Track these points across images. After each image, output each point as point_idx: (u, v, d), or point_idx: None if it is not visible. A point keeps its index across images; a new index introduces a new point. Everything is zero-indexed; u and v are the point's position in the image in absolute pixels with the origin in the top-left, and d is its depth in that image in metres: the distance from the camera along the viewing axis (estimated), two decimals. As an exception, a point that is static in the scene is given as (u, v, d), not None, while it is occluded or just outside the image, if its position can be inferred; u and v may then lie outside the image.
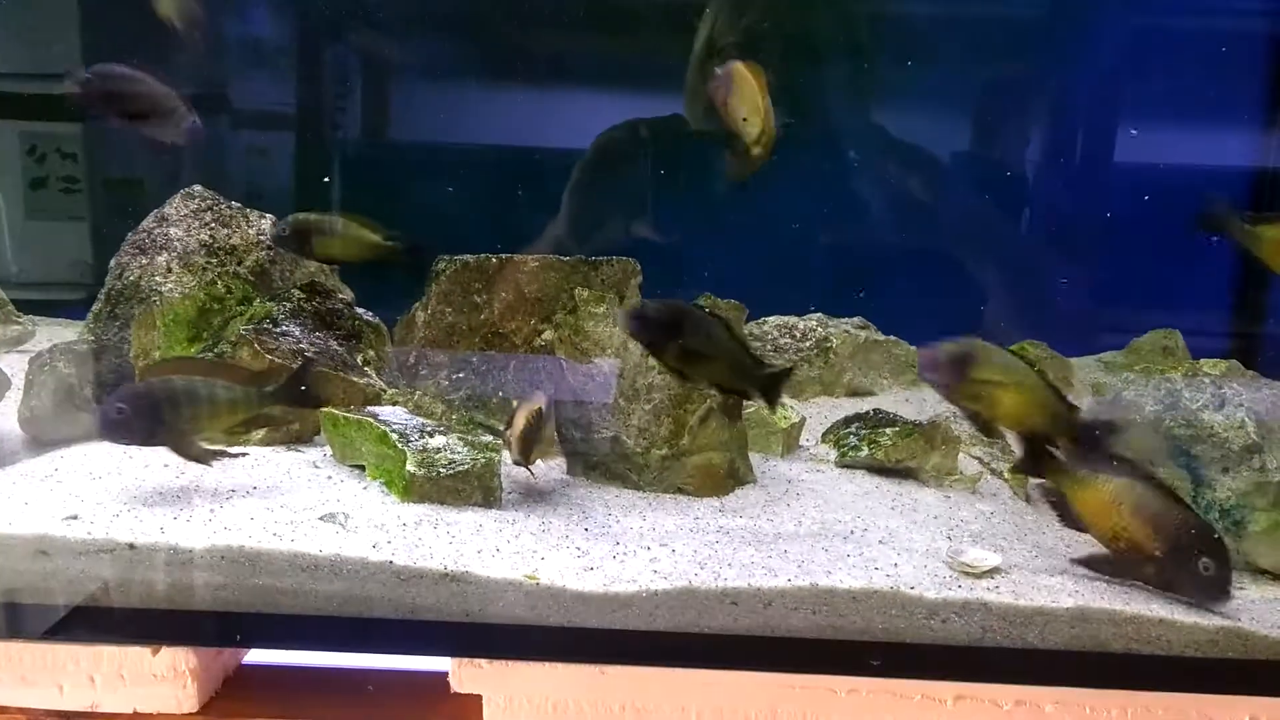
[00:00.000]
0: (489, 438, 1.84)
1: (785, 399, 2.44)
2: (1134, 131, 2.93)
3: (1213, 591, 1.54)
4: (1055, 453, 1.69)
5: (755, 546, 1.67)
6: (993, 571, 1.60)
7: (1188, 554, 1.53)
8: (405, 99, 3.07)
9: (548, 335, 2.21)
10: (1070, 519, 1.72)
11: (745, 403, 2.17)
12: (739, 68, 2.06)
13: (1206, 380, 1.90)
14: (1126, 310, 2.99)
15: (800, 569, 1.57)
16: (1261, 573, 1.76)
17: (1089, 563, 1.63)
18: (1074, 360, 2.75)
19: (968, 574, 1.58)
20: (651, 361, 1.96)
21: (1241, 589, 1.64)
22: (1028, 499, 2.08)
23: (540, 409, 1.81)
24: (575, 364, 2.08)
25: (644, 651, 1.51)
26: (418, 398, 2.02)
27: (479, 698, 1.51)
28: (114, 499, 1.65)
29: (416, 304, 2.32)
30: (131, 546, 1.51)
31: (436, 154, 3.00)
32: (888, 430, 2.08)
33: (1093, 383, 2.31)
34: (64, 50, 2.61)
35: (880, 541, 1.70)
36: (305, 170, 2.94)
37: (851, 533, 1.74)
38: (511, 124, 2.93)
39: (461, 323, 2.29)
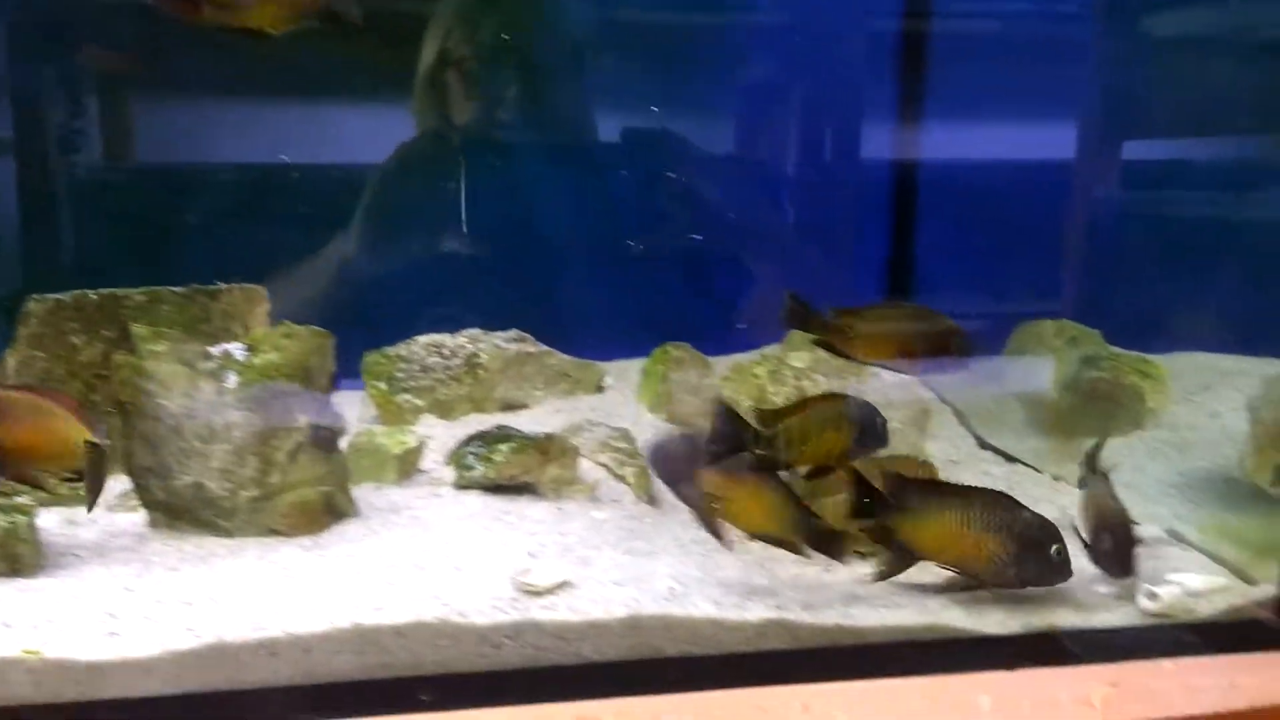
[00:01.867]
0: (25, 498, 1.66)
1: (412, 424, 2.38)
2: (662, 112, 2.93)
3: (1064, 570, 1.59)
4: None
5: (317, 588, 1.57)
6: (560, 587, 1.57)
7: (1036, 548, 1.57)
8: (147, 117, 2.82)
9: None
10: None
11: (353, 430, 2.09)
12: None
13: (789, 374, 1.96)
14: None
15: (353, 608, 1.49)
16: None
17: (949, 588, 1.62)
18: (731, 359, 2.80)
19: (530, 593, 1.55)
20: (229, 398, 1.84)
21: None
22: (650, 500, 2.09)
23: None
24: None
25: (169, 718, 1.39)
26: (-32, 459, 1.81)
27: (-25, 795, 1.35)
28: None
29: (7, 350, 2.11)
30: None
31: (179, 175, 2.80)
32: (502, 446, 2.03)
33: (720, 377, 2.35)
34: None
35: (455, 568, 1.64)
36: (31, 199, 2.69)
37: (431, 561, 1.68)
38: (258, 141, 2.74)
39: (58, 368, 2.13)
